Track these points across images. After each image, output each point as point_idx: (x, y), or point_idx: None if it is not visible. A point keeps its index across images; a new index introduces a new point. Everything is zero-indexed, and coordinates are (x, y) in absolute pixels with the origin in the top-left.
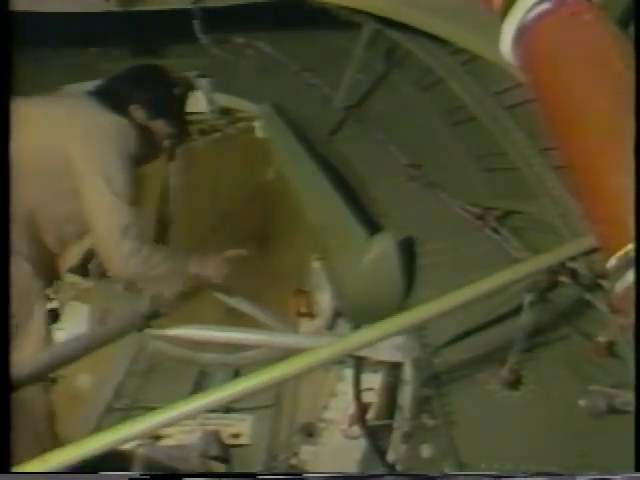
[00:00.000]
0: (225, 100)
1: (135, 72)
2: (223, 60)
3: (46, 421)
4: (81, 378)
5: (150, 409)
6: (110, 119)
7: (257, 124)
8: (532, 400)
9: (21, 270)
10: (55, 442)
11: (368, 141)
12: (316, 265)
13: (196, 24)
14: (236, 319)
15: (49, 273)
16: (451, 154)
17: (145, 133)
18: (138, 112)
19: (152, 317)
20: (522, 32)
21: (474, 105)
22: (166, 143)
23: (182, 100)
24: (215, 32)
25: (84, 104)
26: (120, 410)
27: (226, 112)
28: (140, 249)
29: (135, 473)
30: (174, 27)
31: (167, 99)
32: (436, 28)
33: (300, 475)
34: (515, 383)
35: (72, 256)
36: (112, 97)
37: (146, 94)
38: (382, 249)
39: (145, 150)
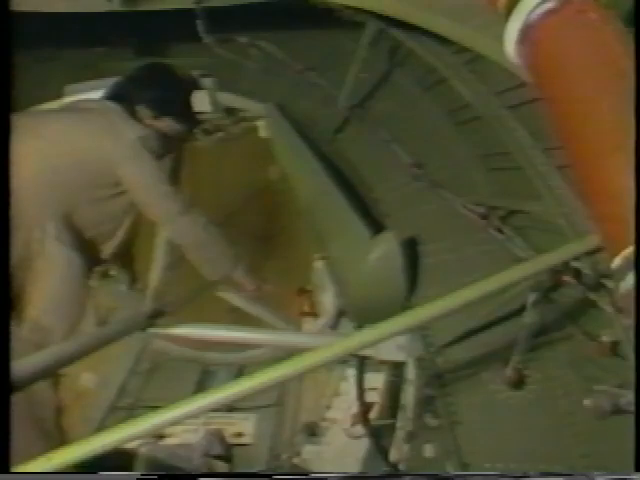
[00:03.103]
0: (228, 100)
1: (138, 72)
2: (226, 60)
3: (53, 417)
4: (84, 377)
5: (153, 408)
6: (137, 127)
7: (260, 124)
8: (536, 400)
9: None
10: (62, 438)
11: (372, 140)
12: (319, 265)
13: (199, 24)
14: (239, 318)
15: (90, 263)
16: (455, 153)
17: (157, 132)
18: (144, 111)
19: (155, 316)
20: (526, 31)
21: (478, 104)
22: (175, 139)
23: (188, 95)
24: (218, 32)
25: (113, 115)
26: (123, 409)
27: (230, 112)
28: (197, 217)
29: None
30: (177, 27)
31: (172, 96)
32: (439, 27)
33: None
34: (518, 383)
35: (104, 252)
36: (123, 100)
37: (150, 93)
38: (385, 249)
39: (161, 149)
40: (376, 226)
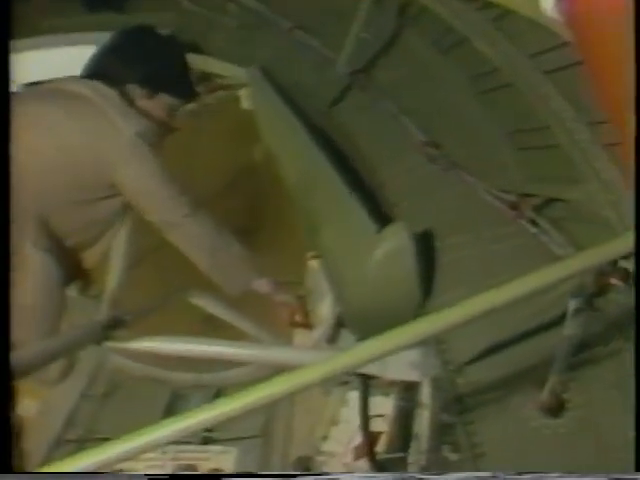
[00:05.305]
0: (201, 63)
1: (122, 41)
2: (198, 15)
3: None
4: (23, 404)
5: (109, 441)
6: (134, 118)
7: (242, 93)
8: (576, 429)
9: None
10: (22, 463)
11: (377, 113)
12: (313, 264)
13: None
14: (216, 330)
15: (70, 273)
16: (478, 129)
17: (152, 120)
18: (136, 91)
19: (113, 327)
20: None
21: (506, 70)
22: (172, 115)
23: (182, 63)
24: None
25: (107, 106)
26: (72, 442)
27: (203, 78)
28: (204, 219)
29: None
30: None
31: (167, 67)
32: None
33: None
34: (556, 409)
35: (86, 262)
36: (113, 80)
37: (143, 68)
38: (394, 244)
39: (157, 139)
40: (383, 217)
